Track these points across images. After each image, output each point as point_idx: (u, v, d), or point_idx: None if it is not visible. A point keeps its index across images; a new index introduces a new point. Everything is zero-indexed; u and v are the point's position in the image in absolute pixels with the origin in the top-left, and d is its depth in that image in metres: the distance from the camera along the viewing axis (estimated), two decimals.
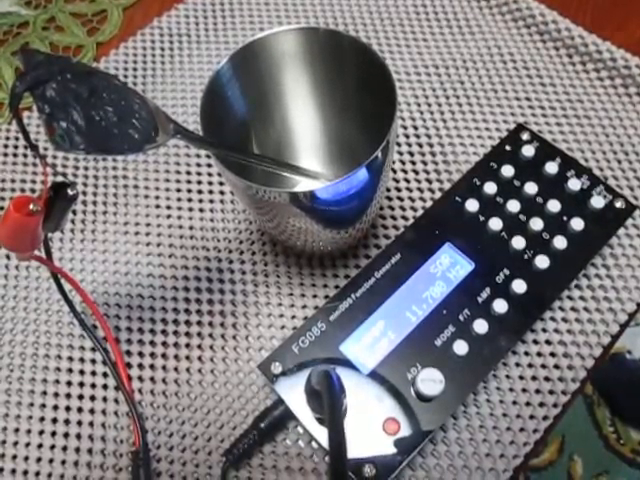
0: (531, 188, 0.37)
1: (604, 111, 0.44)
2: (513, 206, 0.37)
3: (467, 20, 0.48)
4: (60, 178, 0.28)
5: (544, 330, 0.37)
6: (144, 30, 0.50)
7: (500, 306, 0.34)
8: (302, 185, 0.41)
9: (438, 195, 0.41)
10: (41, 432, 0.36)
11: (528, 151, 0.38)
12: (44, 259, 0.32)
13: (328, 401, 0.26)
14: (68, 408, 0.37)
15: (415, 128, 0.44)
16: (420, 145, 0.43)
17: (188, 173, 0.44)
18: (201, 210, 0.42)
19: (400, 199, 0.42)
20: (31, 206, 0.24)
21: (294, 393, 0.32)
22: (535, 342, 0.37)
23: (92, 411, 0.36)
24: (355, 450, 0.31)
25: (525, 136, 0.39)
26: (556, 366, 0.36)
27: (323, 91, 0.37)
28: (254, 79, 0.34)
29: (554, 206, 0.36)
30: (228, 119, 0.34)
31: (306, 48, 0.34)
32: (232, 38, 0.49)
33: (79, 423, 0.36)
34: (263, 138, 0.38)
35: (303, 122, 0.39)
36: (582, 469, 0.73)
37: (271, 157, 0.37)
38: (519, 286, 0.34)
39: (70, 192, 0.25)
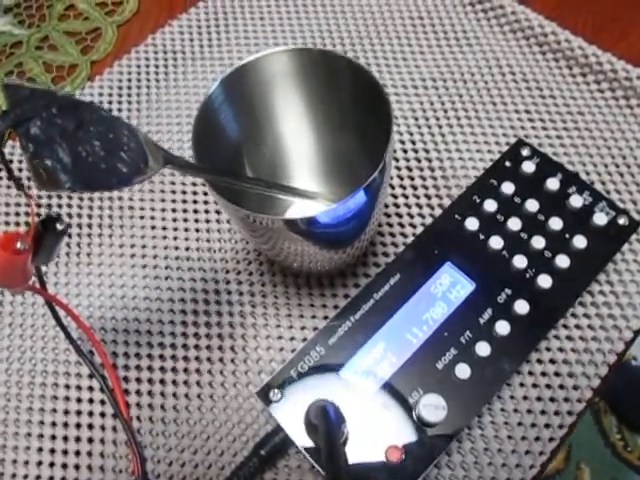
0: (532, 205, 0.36)
1: (605, 123, 0.43)
2: (514, 224, 0.36)
3: (465, 32, 0.48)
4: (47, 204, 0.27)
5: (548, 349, 0.36)
6: (138, 47, 0.49)
7: (502, 328, 0.33)
8: (298, 205, 0.41)
9: (437, 211, 0.41)
10: (39, 463, 0.36)
11: (528, 167, 0.37)
12: (37, 288, 0.32)
13: (325, 440, 0.25)
14: (66, 438, 0.36)
15: (413, 143, 0.44)
16: (418, 160, 0.43)
17: (183, 192, 0.43)
18: (197, 230, 0.42)
19: (399, 215, 0.41)
20: (18, 244, 0.23)
21: (294, 420, 0.32)
22: (539, 361, 0.36)
23: (90, 440, 0.36)
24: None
25: (525, 152, 0.38)
26: (561, 386, 0.35)
27: (317, 110, 0.36)
28: (246, 101, 0.34)
29: (556, 223, 0.36)
30: (221, 143, 0.33)
31: (299, 68, 0.33)
32: (227, 54, 0.49)
33: (77, 453, 0.36)
34: (256, 159, 0.38)
35: (297, 141, 0.39)
36: (589, 477, 0.73)
37: (265, 180, 0.36)
38: (521, 307, 0.34)
39: (59, 226, 0.25)
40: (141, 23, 0.52)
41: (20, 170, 0.46)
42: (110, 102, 0.47)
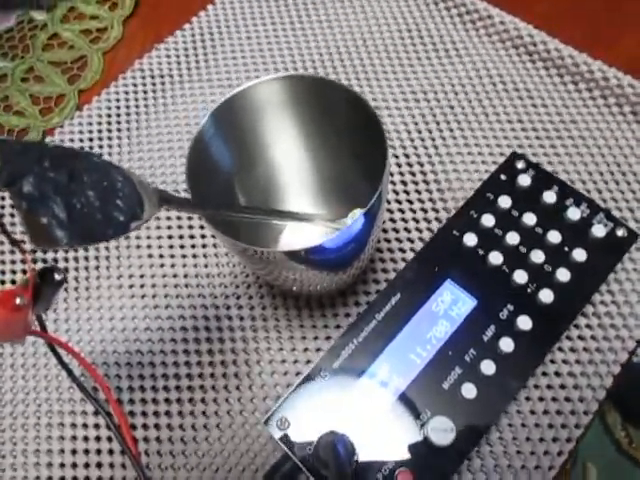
0: (530, 219, 0.36)
1: (599, 131, 0.43)
2: (512, 238, 0.36)
3: (454, 43, 0.48)
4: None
5: (552, 361, 0.36)
6: (125, 74, 0.49)
7: (506, 345, 0.33)
8: (292, 228, 0.41)
9: (434, 225, 0.41)
10: None
11: (524, 180, 0.37)
12: (38, 332, 0.31)
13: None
14: (75, 479, 0.36)
15: (407, 156, 0.43)
16: (413, 174, 0.43)
17: (178, 218, 0.43)
18: (194, 256, 0.41)
19: (396, 230, 0.41)
20: (17, 300, 0.23)
21: (302, 449, 0.31)
22: (544, 374, 0.36)
23: (100, 479, 0.36)
24: None
25: (520, 165, 0.38)
26: (567, 399, 0.35)
27: (310, 135, 0.36)
28: (238, 131, 0.34)
29: (554, 237, 0.36)
30: (214, 175, 0.33)
31: (290, 96, 0.33)
32: (215, 75, 0.48)
33: None
34: (250, 187, 0.38)
35: (291, 166, 0.38)
36: (596, 476, 0.73)
37: (262, 207, 0.36)
38: (524, 323, 0.34)
39: (57, 277, 0.25)
40: (127, 49, 0.52)
41: (12, 224, 0.45)
42: (100, 131, 0.47)
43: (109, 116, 0.47)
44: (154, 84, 0.49)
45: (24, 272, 0.42)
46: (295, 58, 0.49)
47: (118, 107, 0.48)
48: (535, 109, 0.44)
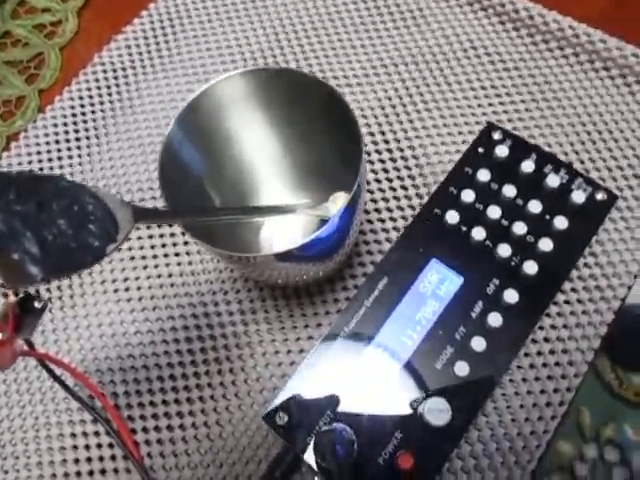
0: (510, 191, 0.36)
1: (573, 90, 0.42)
2: (494, 212, 0.36)
3: (420, 10, 0.46)
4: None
5: (541, 328, 0.37)
6: (86, 69, 0.47)
7: (494, 320, 0.33)
8: (272, 221, 0.40)
9: (415, 201, 0.40)
10: None
11: (502, 151, 0.37)
12: (26, 351, 0.31)
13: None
14: None
15: (382, 133, 0.43)
16: (390, 151, 0.42)
17: None
18: (177, 254, 0.41)
19: (377, 211, 0.41)
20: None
21: (303, 440, 0.32)
22: (533, 341, 0.36)
23: None
24: None
25: (497, 135, 0.38)
26: (557, 363, 0.36)
27: (280, 126, 0.36)
28: (206, 132, 0.33)
29: (535, 207, 0.36)
30: (188, 179, 0.32)
31: (255, 89, 0.32)
32: (179, 64, 0.47)
33: None
34: (226, 185, 0.37)
35: (265, 159, 0.38)
36: (590, 419, 0.75)
37: (240, 207, 0.35)
38: (511, 296, 0.34)
39: (38, 304, 0.24)
40: (84, 42, 0.50)
41: None
42: (67, 132, 0.45)
43: (74, 116, 0.46)
44: (117, 78, 0.47)
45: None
46: (260, 39, 0.47)
47: (82, 106, 0.46)
48: (508, 73, 0.44)
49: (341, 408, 0.32)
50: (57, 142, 0.45)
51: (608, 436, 0.73)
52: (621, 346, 0.77)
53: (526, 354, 0.36)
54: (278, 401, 0.33)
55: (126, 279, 0.41)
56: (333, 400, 0.33)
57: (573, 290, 0.37)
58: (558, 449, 0.73)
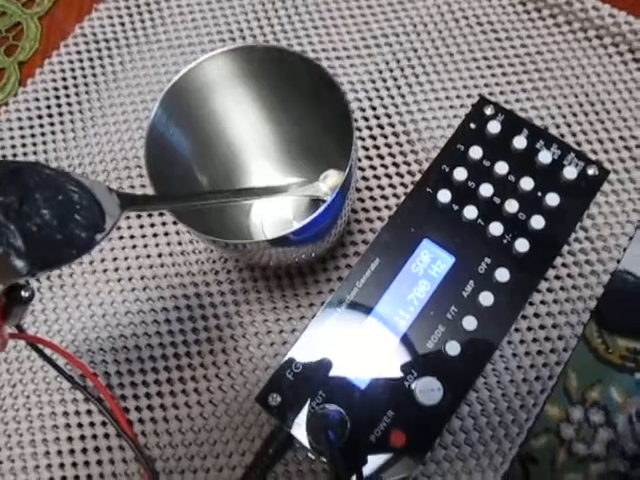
0: (502, 167, 0.36)
1: (565, 60, 0.42)
2: (486, 190, 0.35)
3: None
4: None
5: (531, 303, 0.37)
6: (67, 41, 0.45)
7: (486, 299, 0.33)
8: (261, 202, 0.40)
9: (407, 179, 0.40)
10: None
11: (494, 127, 0.36)
12: (16, 334, 0.31)
13: (330, 462, 0.26)
14: (75, 464, 0.36)
15: (373, 108, 0.42)
16: (381, 127, 0.42)
17: None
18: (166, 234, 0.40)
19: (369, 189, 0.40)
20: None
21: (296, 420, 0.32)
22: (524, 317, 0.37)
23: (99, 462, 0.36)
24: (366, 469, 0.31)
25: (489, 110, 0.37)
26: (547, 338, 0.36)
27: (269, 105, 0.35)
28: (192, 113, 0.32)
29: (527, 184, 0.35)
30: (175, 163, 0.32)
31: (242, 68, 0.31)
32: (164, 35, 0.45)
33: (89, 477, 0.36)
34: (214, 167, 0.36)
35: (254, 139, 0.37)
36: (576, 382, 0.77)
37: (230, 189, 0.35)
38: (502, 275, 0.34)
39: (25, 293, 0.24)
40: (64, 12, 0.48)
41: None
42: (49, 107, 0.44)
43: (56, 89, 0.45)
44: (99, 50, 0.45)
45: None
46: (247, 12, 0.46)
47: (64, 79, 0.45)
48: (500, 43, 0.43)
49: (333, 388, 0.33)
50: (40, 117, 0.44)
51: (594, 399, 0.75)
52: (607, 311, 0.78)
53: (517, 329, 0.36)
54: (270, 382, 0.33)
55: (115, 259, 0.40)
56: (325, 380, 0.33)
57: (564, 265, 0.37)
58: (545, 412, 0.75)
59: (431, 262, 0.35)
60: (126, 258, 0.40)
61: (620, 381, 0.76)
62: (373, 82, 0.43)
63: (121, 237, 0.41)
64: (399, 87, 0.42)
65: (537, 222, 0.35)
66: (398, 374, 0.33)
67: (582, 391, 0.76)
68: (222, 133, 0.35)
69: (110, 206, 0.24)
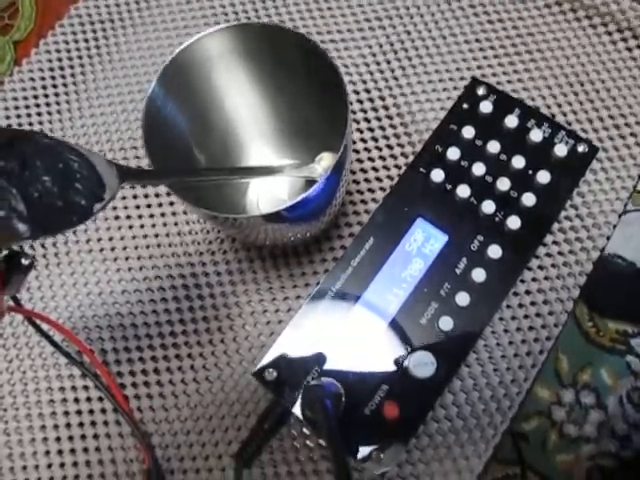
0: (494, 147, 0.36)
1: (556, 41, 0.42)
2: (478, 169, 0.36)
3: None
4: None
5: (522, 281, 0.38)
6: (62, 21, 0.46)
7: (478, 275, 0.34)
8: (258, 182, 0.40)
9: (401, 160, 0.41)
10: (49, 465, 0.36)
11: (486, 107, 0.37)
12: (13, 308, 0.31)
13: (327, 434, 0.26)
14: (71, 438, 0.37)
15: (367, 91, 0.42)
16: (375, 110, 0.42)
17: None
18: (162, 214, 0.41)
19: (363, 171, 0.41)
20: None
21: (292, 395, 0.33)
22: (515, 294, 0.37)
23: (96, 436, 0.37)
24: (360, 442, 0.32)
25: (481, 91, 0.38)
26: (538, 314, 0.37)
27: (265, 84, 0.35)
28: (190, 90, 0.32)
29: (519, 162, 0.36)
30: (173, 139, 0.32)
31: (239, 46, 0.32)
32: (159, 17, 0.45)
33: (85, 450, 0.37)
34: (211, 145, 0.37)
35: (250, 118, 0.37)
36: (567, 365, 0.78)
37: (226, 167, 0.35)
38: (494, 251, 0.34)
39: (25, 261, 0.24)
40: None
41: None
42: (44, 87, 0.44)
43: (51, 70, 0.45)
44: (94, 31, 0.46)
45: None
46: None
47: (60, 59, 0.45)
48: (492, 26, 0.43)
49: (328, 364, 0.33)
50: (35, 97, 0.44)
51: (585, 381, 0.76)
52: (598, 294, 0.79)
53: (508, 306, 0.37)
54: (267, 358, 0.34)
55: (111, 238, 0.40)
56: (321, 356, 0.33)
57: (555, 243, 0.38)
58: (536, 394, 0.76)
59: (424, 241, 0.35)
60: (122, 238, 0.40)
61: (611, 363, 0.77)
62: (367, 65, 0.43)
63: (117, 217, 0.41)
64: (392, 70, 0.43)
65: (528, 199, 0.35)
66: (392, 349, 0.33)
67: (573, 373, 0.77)
68: (219, 111, 0.36)
69: (108, 177, 0.24)
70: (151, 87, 0.29)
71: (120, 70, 0.44)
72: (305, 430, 0.36)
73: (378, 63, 0.43)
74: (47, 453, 0.37)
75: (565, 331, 0.35)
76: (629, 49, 0.42)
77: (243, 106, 0.36)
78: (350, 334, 0.34)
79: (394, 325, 0.34)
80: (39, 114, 0.44)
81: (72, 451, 0.37)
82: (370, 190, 0.40)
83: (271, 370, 0.33)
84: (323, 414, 0.27)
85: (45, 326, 0.36)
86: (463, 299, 0.34)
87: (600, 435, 0.73)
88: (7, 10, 0.47)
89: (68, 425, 0.37)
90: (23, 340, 0.39)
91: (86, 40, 0.45)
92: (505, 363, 0.36)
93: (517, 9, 0.44)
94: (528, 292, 0.37)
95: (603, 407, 0.75)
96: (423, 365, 0.32)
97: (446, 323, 0.33)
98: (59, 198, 0.22)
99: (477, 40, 0.43)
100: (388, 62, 0.43)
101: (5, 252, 0.25)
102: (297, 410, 0.32)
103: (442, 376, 0.33)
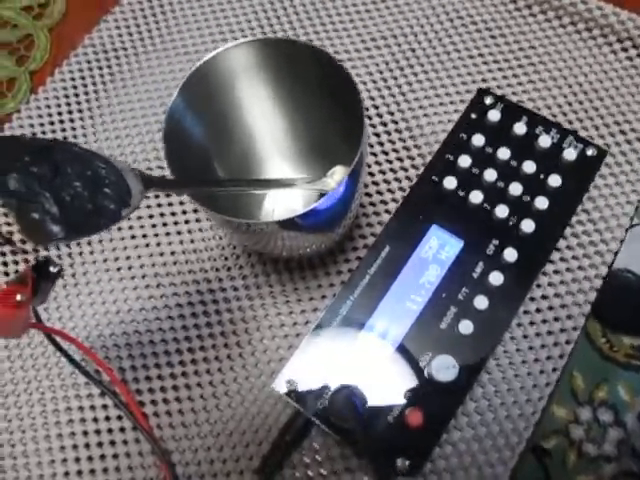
0: (504, 153, 0.37)
1: (557, 53, 0.44)
2: (490, 175, 0.37)
3: None
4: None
5: (538, 286, 0.38)
6: (77, 50, 0.47)
7: (496, 278, 0.34)
8: (273, 195, 0.41)
9: (412, 172, 0.41)
10: None
11: (494, 115, 0.38)
12: (35, 324, 0.31)
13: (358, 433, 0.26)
14: (90, 458, 0.36)
15: (376, 107, 0.43)
16: (384, 124, 0.43)
17: (156, 197, 0.42)
18: (179, 232, 0.41)
19: (375, 183, 0.41)
20: (18, 297, 0.23)
21: (314, 404, 0.32)
22: (532, 299, 0.37)
23: (115, 456, 0.36)
24: (386, 450, 0.31)
25: (488, 100, 0.38)
26: (556, 319, 0.37)
27: (282, 98, 0.36)
28: (210, 103, 0.33)
29: (529, 167, 0.36)
30: (192, 150, 0.33)
31: (257, 61, 0.33)
32: (170, 44, 0.47)
33: (105, 470, 0.36)
34: (228, 157, 0.37)
35: (268, 132, 0.38)
36: (583, 382, 0.77)
37: (244, 179, 0.36)
38: (510, 255, 0.35)
39: (53, 269, 0.24)
40: (73, 23, 0.49)
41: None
42: (60, 113, 0.45)
43: (67, 97, 0.46)
44: (108, 59, 0.47)
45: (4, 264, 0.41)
46: (249, 17, 0.48)
47: (75, 87, 0.46)
48: (494, 40, 0.45)
49: (349, 371, 0.33)
50: (51, 123, 0.45)
51: (601, 398, 0.75)
52: (610, 310, 0.79)
53: (525, 312, 0.37)
54: (287, 370, 0.33)
55: (128, 257, 0.41)
56: (341, 364, 0.33)
57: (568, 248, 0.38)
58: (553, 414, 0.74)
59: (440, 247, 0.36)
60: (139, 256, 0.41)
61: (626, 379, 0.76)
62: (374, 82, 0.44)
63: (133, 236, 0.41)
64: (399, 86, 0.44)
65: (541, 203, 0.36)
66: (414, 354, 0.33)
67: (589, 391, 0.76)
68: (238, 125, 0.36)
69: (134, 184, 0.25)
70: (173, 98, 0.30)
71: (134, 95, 0.45)
72: (327, 442, 0.35)
73: (385, 80, 0.44)
74: (66, 474, 0.36)
75: (579, 349, 0.35)
76: (629, 58, 0.43)
77: (261, 120, 0.37)
78: (369, 343, 0.34)
79: (414, 331, 0.34)
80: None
81: (92, 472, 0.36)
82: (383, 202, 0.41)
83: (292, 380, 0.33)
84: (353, 415, 0.27)
85: (64, 345, 0.36)
86: (481, 302, 0.34)
87: (620, 453, 0.72)
88: (23, 42, 0.48)
89: (87, 445, 0.37)
90: (42, 361, 0.39)
91: (100, 68, 0.46)
92: (525, 369, 0.36)
93: (518, 24, 0.45)
94: (544, 297, 0.38)
95: (622, 424, 0.73)
96: (445, 369, 0.32)
97: (466, 327, 0.34)
98: (89, 202, 0.22)
99: (480, 55, 0.44)
100: (395, 78, 0.44)
101: (33, 262, 0.25)
102: (320, 419, 0.32)
103: (464, 379, 0.33)
